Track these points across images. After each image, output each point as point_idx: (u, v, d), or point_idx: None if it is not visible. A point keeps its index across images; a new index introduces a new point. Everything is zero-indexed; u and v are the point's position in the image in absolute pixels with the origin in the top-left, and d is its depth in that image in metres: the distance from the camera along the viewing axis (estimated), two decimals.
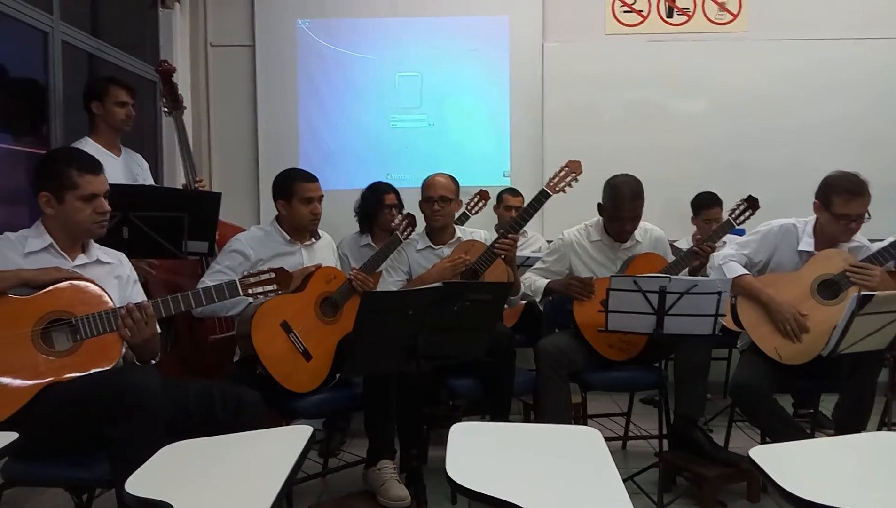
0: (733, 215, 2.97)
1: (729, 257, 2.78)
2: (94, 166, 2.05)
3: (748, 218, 2.99)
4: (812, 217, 2.76)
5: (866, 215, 2.63)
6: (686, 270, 2.92)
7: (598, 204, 3.00)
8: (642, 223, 3.01)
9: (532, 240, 4.13)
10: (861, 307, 2.23)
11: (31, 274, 1.92)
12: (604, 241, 3.01)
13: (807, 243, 2.72)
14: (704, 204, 3.95)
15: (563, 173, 2.95)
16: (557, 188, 2.94)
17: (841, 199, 2.60)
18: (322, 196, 2.75)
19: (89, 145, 2.79)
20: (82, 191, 2.00)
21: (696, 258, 2.90)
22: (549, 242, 3.60)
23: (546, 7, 4.51)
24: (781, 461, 1.35)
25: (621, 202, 2.88)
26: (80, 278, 1.99)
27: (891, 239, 2.67)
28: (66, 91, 3.21)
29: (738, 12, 4.52)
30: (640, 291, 2.48)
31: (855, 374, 2.51)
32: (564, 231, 3.09)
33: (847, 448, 1.56)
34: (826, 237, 2.70)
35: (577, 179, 2.95)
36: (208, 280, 2.53)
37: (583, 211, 3.10)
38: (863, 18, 4.44)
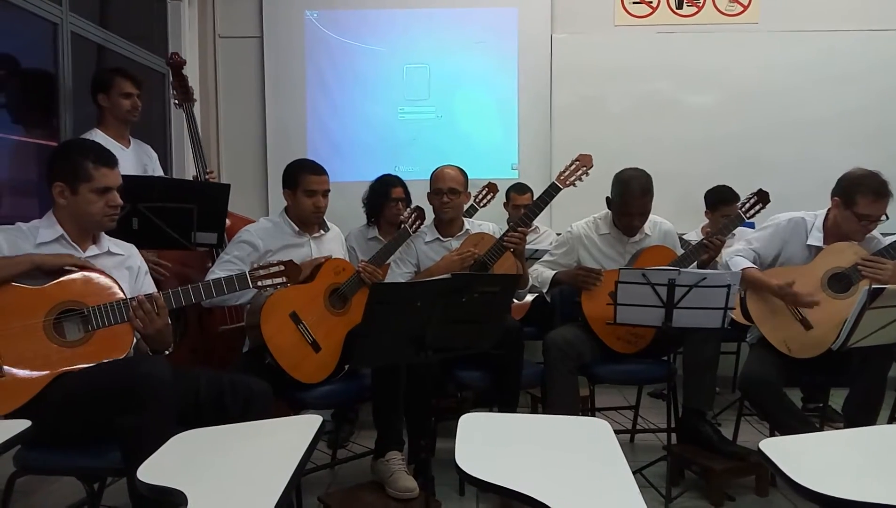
0: (743, 209, 2.95)
1: (736, 253, 2.77)
2: (110, 160, 2.06)
3: (758, 211, 2.97)
4: (822, 211, 2.74)
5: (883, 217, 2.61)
6: (695, 263, 2.91)
7: (607, 197, 2.98)
8: (652, 216, 2.99)
9: (544, 235, 4.10)
10: (872, 301, 2.22)
11: (43, 258, 1.94)
12: (612, 234, 3.00)
13: (815, 238, 2.71)
14: (722, 200, 3.73)
15: (573, 167, 2.94)
16: (568, 182, 2.92)
17: (867, 200, 2.56)
18: (328, 190, 2.73)
19: (98, 137, 2.80)
20: (97, 184, 2.01)
21: (705, 252, 2.88)
22: (558, 235, 3.59)
23: None
24: (792, 453, 1.35)
25: (630, 198, 2.86)
26: (92, 268, 2.01)
27: None
28: (76, 82, 3.22)
29: (749, 3, 4.48)
30: (649, 284, 2.47)
31: (865, 368, 2.51)
32: (573, 224, 3.08)
33: (857, 441, 1.55)
34: (838, 233, 2.67)
35: (587, 173, 2.93)
36: (218, 270, 2.56)
37: (591, 204, 3.09)
38: (874, 9, 4.40)
